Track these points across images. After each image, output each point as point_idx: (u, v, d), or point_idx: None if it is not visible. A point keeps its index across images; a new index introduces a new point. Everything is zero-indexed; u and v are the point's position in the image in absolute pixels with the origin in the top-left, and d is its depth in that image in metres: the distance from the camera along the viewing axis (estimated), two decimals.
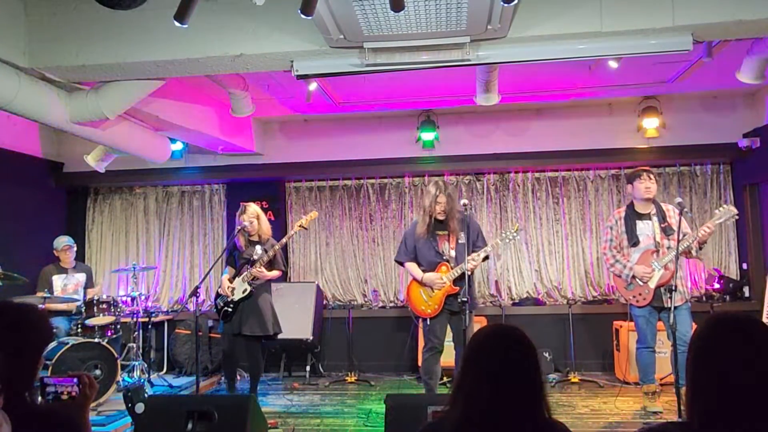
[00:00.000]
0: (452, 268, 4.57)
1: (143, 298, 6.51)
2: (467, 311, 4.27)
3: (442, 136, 6.95)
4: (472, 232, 4.63)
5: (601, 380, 6.00)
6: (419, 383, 6.25)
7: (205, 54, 3.96)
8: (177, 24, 3.07)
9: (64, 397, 1.81)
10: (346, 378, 6.42)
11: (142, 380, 5.81)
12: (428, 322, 4.65)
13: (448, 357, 4.84)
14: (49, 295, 5.56)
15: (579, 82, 5.87)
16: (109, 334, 5.64)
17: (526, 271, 7.11)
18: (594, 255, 7.01)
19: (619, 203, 6.91)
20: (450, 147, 6.97)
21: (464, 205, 4.55)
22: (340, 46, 3.80)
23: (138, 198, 7.80)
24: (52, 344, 4.89)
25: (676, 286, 4.14)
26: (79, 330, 5.54)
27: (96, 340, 5.34)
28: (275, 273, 5.08)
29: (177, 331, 6.90)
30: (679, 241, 4.33)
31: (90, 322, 5.55)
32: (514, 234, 4.68)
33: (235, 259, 5.20)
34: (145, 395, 3.91)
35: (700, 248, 4.61)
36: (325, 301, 7.16)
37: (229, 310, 5.03)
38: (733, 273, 6.83)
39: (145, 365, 6.09)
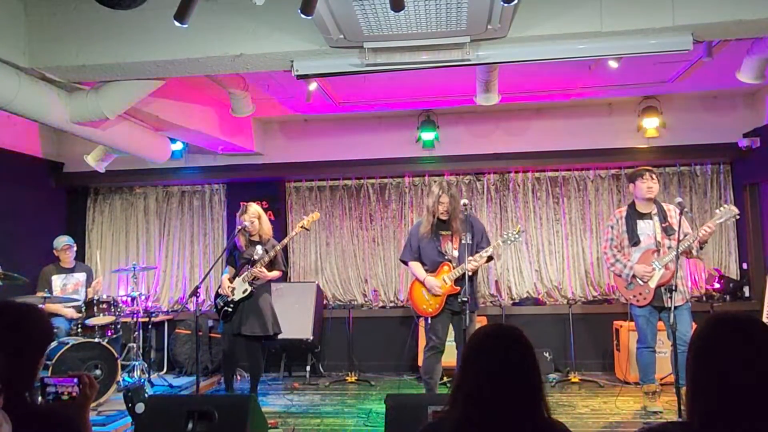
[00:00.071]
0: (454, 268, 4.59)
1: (143, 298, 6.52)
2: (467, 311, 4.27)
3: (442, 136, 6.95)
4: (476, 233, 4.66)
5: (602, 380, 6.00)
6: (419, 383, 6.26)
7: (205, 54, 3.96)
8: (177, 24, 3.07)
9: (65, 397, 1.81)
10: (347, 378, 6.42)
11: (143, 380, 5.82)
12: (429, 321, 4.67)
13: (450, 357, 4.84)
14: (49, 295, 5.56)
15: (579, 82, 5.87)
16: (110, 334, 5.64)
17: (527, 270, 7.11)
18: (594, 255, 7.01)
19: (619, 203, 6.91)
20: (450, 147, 6.97)
21: (464, 205, 4.56)
22: (340, 46, 3.80)
23: (138, 198, 7.80)
24: (53, 344, 4.89)
25: (676, 286, 4.14)
26: (80, 330, 5.54)
27: (96, 340, 5.35)
28: (276, 273, 5.08)
29: (177, 331, 6.91)
30: (679, 241, 4.33)
31: (90, 322, 5.55)
32: (516, 235, 4.69)
33: (236, 259, 5.20)
34: (146, 395, 3.91)
35: (701, 248, 4.60)
36: (325, 301, 7.16)
37: (229, 309, 5.03)
38: (733, 273, 6.83)
39: (146, 365, 6.10)
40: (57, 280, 6.09)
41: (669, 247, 4.63)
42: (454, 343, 4.82)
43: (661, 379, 5.23)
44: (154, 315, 6.64)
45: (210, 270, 5.46)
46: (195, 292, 4.78)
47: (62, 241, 6.18)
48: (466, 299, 4.29)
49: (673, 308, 4.04)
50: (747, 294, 6.58)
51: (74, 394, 1.82)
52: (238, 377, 6.40)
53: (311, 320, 6.51)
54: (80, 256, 7.02)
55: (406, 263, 4.89)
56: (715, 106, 6.66)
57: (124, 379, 5.73)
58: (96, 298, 5.75)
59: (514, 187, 7.20)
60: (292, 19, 3.57)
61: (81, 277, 6.22)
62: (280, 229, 6.89)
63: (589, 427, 4.60)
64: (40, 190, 7.19)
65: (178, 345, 6.82)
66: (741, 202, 6.61)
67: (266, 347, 5.81)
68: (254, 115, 6.25)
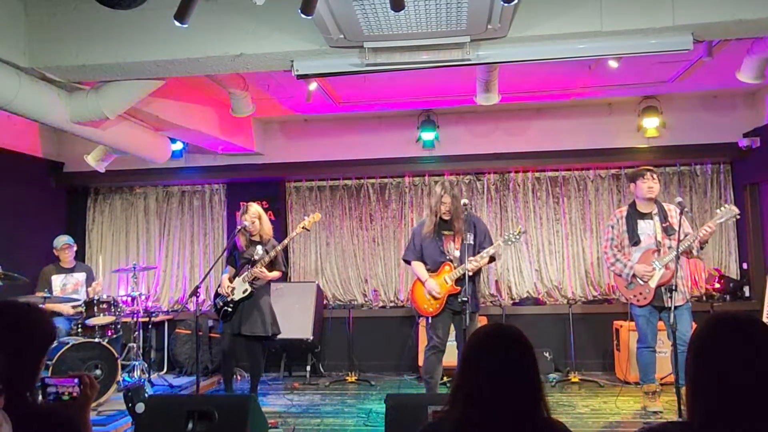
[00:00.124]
0: (455, 268, 4.59)
1: (143, 298, 6.51)
2: (467, 311, 4.28)
3: (442, 135, 6.95)
4: (478, 233, 4.68)
5: (602, 380, 6.00)
6: (419, 383, 6.26)
7: (205, 54, 3.96)
8: (177, 24, 3.07)
9: (65, 397, 1.81)
10: (347, 378, 6.42)
11: (143, 380, 5.81)
12: (430, 321, 4.69)
13: (451, 357, 4.84)
14: (49, 295, 5.56)
15: (579, 81, 5.87)
16: (110, 334, 5.63)
17: (527, 270, 7.11)
18: (594, 255, 7.01)
19: (619, 203, 6.91)
20: (450, 147, 6.97)
21: (464, 204, 4.57)
22: (340, 45, 3.79)
23: (138, 198, 7.80)
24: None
25: (676, 286, 4.14)
26: (80, 330, 5.54)
27: (96, 340, 5.34)
28: (276, 274, 5.08)
29: (177, 331, 6.91)
30: (680, 241, 4.33)
31: (90, 321, 5.55)
32: (517, 236, 4.69)
33: (236, 259, 5.20)
34: (146, 395, 3.92)
35: (701, 248, 4.60)
36: (325, 301, 7.16)
37: (229, 309, 5.03)
38: (734, 273, 6.83)
39: (146, 365, 6.09)
40: (57, 280, 6.09)
41: (669, 247, 4.63)
42: (455, 343, 4.83)
43: (661, 379, 5.23)
44: (154, 315, 6.64)
45: (210, 270, 5.46)
46: (195, 292, 4.78)
47: (62, 241, 6.18)
48: (465, 299, 4.29)
49: (673, 308, 4.04)
50: (747, 294, 6.58)
51: (75, 394, 1.82)
52: (238, 377, 6.41)
53: (311, 320, 6.51)
54: (80, 256, 7.02)
55: (408, 263, 4.90)
56: (715, 106, 6.66)
57: (124, 379, 5.73)
58: (96, 298, 5.74)
59: (514, 187, 7.20)
60: (292, 19, 3.57)
61: (81, 276, 6.22)
62: (280, 229, 6.90)
63: (589, 427, 4.60)
64: (40, 190, 7.19)
65: (178, 345, 6.82)
66: (741, 201, 6.61)
67: (266, 347, 5.81)
68: (254, 115, 6.25)
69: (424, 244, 4.74)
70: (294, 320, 6.36)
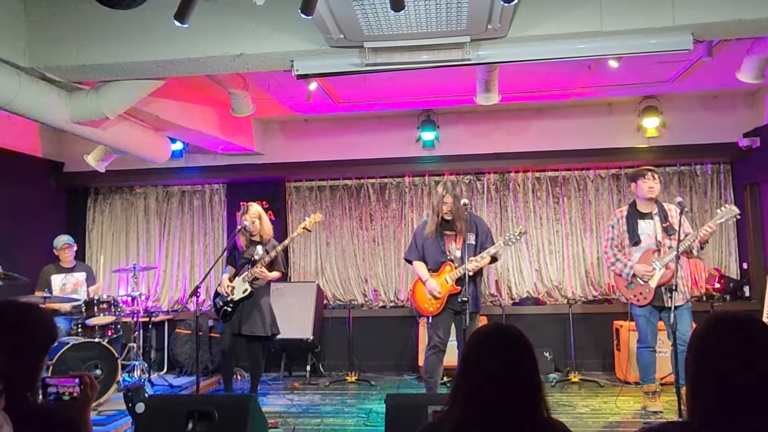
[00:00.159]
0: (456, 268, 4.60)
1: (143, 297, 6.51)
2: (467, 311, 4.28)
3: (442, 135, 6.95)
4: (480, 234, 4.69)
5: (602, 380, 6.00)
6: (419, 383, 6.26)
7: (205, 54, 3.96)
8: (177, 24, 3.07)
9: (66, 397, 1.81)
10: (347, 378, 6.42)
11: (143, 380, 5.81)
12: (430, 320, 4.71)
13: (451, 356, 4.84)
14: (49, 295, 5.56)
15: (579, 81, 5.87)
16: (110, 333, 5.63)
17: (527, 270, 7.11)
18: (594, 255, 7.01)
19: (619, 203, 6.91)
20: (450, 147, 6.97)
21: (464, 204, 4.57)
22: (341, 45, 3.79)
23: (138, 198, 7.80)
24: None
25: (676, 286, 4.15)
26: (80, 330, 5.54)
27: (96, 339, 5.34)
28: (275, 274, 5.08)
29: (177, 330, 6.91)
30: (680, 241, 4.33)
31: (90, 321, 5.55)
32: (518, 236, 4.69)
33: (236, 259, 5.20)
34: (146, 395, 3.92)
35: (702, 248, 4.60)
36: (325, 301, 7.16)
37: (229, 309, 5.03)
38: (734, 272, 6.83)
39: (146, 365, 6.09)
40: (56, 280, 6.09)
41: (669, 247, 4.63)
42: (455, 343, 4.84)
43: (662, 379, 5.23)
44: (154, 315, 6.64)
45: (210, 270, 5.46)
46: (195, 292, 4.78)
47: (62, 241, 6.18)
48: (465, 299, 4.30)
49: (673, 308, 4.04)
50: (747, 294, 6.58)
51: (75, 394, 1.82)
52: (238, 377, 6.41)
53: (311, 320, 6.51)
54: (80, 256, 7.02)
55: (410, 262, 4.91)
56: (715, 106, 6.66)
57: (124, 379, 5.73)
58: (96, 297, 5.75)
59: (514, 187, 7.20)
60: (292, 18, 3.57)
61: (81, 276, 6.22)
62: (280, 229, 6.90)
63: (589, 426, 4.60)
64: (41, 190, 7.19)
65: (179, 345, 6.83)
66: (741, 201, 6.61)
67: (266, 347, 5.81)
68: (254, 115, 6.25)
69: (425, 244, 4.75)
70: (294, 320, 6.36)
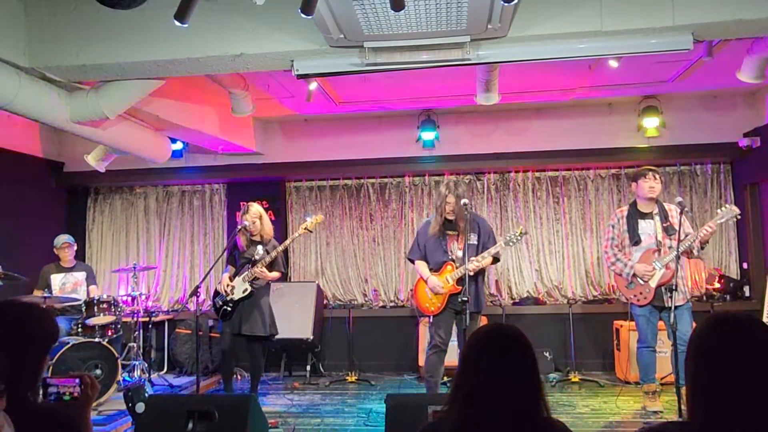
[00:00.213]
0: (457, 268, 4.61)
1: (144, 297, 6.52)
2: (467, 311, 4.28)
3: (442, 135, 6.95)
4: (482, 234, 4.70)
5: (602, 380, 6.00)
6: (419, 383, 6.26)
7: (205, 54, 3.96)
8: (177, 23, 3.07)
9: (66, 397, 1.81)
10: (347, 377, 6.42)
11: (143, 380, 5.82)
12: (431, 320, 4.72)
13: (453, 356, 4.85)
14: (49, 295, 5.56)
15: (579, 81, 5.87)
16: (110, 333, 5.63)
17: (527, 270, 7.11)
18: (594, 254, 7.01)
19: (619, 203, 6.91)
20: (450, 146, 6.97)
21: (464, 204, 4.57)
22: (341, 45, 3.79)
23: (138, 198, 7.80)
24: None
25: (676, 286, 4.15)
26: (80, 329, 5.54)
27: (96, 339, 5.34)
28: (275, 274, 5.07)
29: (177, 330, 6.91)
30: (680, 241, 4.33)
31: (90, 321, 5.55)
32: (518, 237, 4.69)
33: (236, 259, 5.20)
34: (146, 395, 3.92)
35: (702, 248, 4.60)
36: (325, 301, 7.16)
37: (228, 309, 5.03)
38: (734, 272, 6.83)
39: (146, 365, 6.09)
40: (56, 279, 6.09)
41: (670, 247, 4.63)
42: (457, 342, 4.84)
43: (662, 379, 5.23)
44: (154, 315, 6.64)
45: (210, 270, 5.46)
46: (195, 292, 4.78)
47: (61, 240, 6.18)
48: (466, 299, 4.30)
49: (673, 308, 4.04)
50: (747, 294, 6.58)
51: (76, 394, 1.82)
52: (238, 377, 6.41)
53: (311, 320, 6.51)
54: (80, 256, 7.02)
55: (412, 262, 4.93)
56: (716, 106, 6.66)
57: (124, 379, 5.73)
58: (96, 297, 5.75)
59: (515, 187, 7.20)
60: (292, 18, 3.57)
61: (80, 276, 6.22)
62: (280, 229, 6.90)
63: (589, 426, 4.60)
64: (41, 190, 7.19)
65: (179, 345, 6.83)
66: (741, 201, 6.61)
67: (266, 347, 5.81)
68: (254, 115, 6.25)
69: (427, 244, 4.77)
70: (294, 320, 6.37)
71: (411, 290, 6.88)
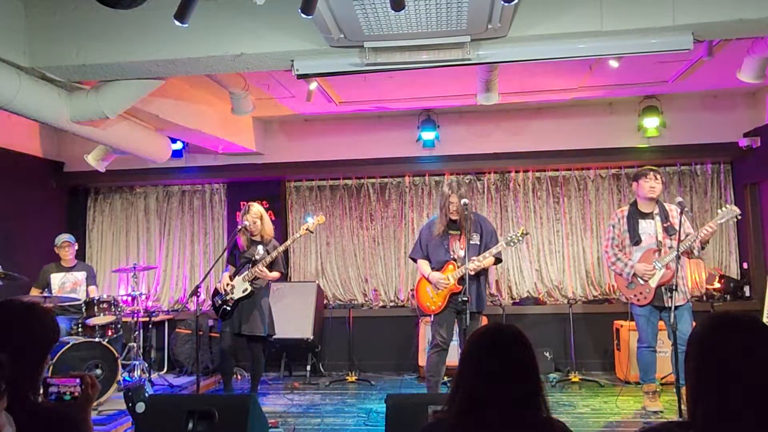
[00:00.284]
0: (458, 267, 4.61)
1: (144, 297, 6.51)
2: (467, 311, 4.28)
3: (442, 135, 6.95)
4: (485, 234, 4.71)
5: (602, 380, 6.00)
6: (420, 383, 6.26)
7: (205, 53, 3.96)
8: (177, 23, 3.07)
9: (67, 397, 1.81)
10: (347, 377, 6.42)
11: (143, 380, 5.81)
12: (433, 319, 4.74)
13: (454, 356, 4.84)
14: (49, 294, 5.55)
15: (579, 81, 5.87)
16: (110, 333, 5.63)
17: (527, 270, 7.11)
18: (594, 254, 7.01)
19: (619, 203, 6.91)
20: (450, 146, 6.97)
21: (464, 204, 4.58)
22: (341, 45, 3.79)
23: (138, 197, 7.81)
24: None
25: (677, 286, 4.15)
26: (80, 329, 5.54)
27: (96, 339, 5.34)
28: (275, 274, 5.07)
29: (177, 330, 6.91)
30: (680, 241, 4.33)
31: (91, 321, 5.55)
32: (520, 237, 4.69)
33: (236, 258, 5.20)
34: (146, 395, 3.91)
35: (702, 248, 4.60)
36: (325, 301, 7.16)
37: (228, 308, 5.03)
38: (734, 272, 6.83)
39: (146, 365, 6.09)
40: (56, 279, 6.08)
41: (670, 247, 4.63)
42: (457, 342, 4.85)
43: (662, 379, 5.23)
44: (154, 315, 6.63)
45: (210, 270, 5.46)
46: (195, 292, 4.78)
47: (62, 239, 6.16)
48: (466, 299, 4.30)
49: (673, 308, 4.04)
50: (747, 294, 6.58)
51: (76, 394, 1.82)
52: (238, 377, 6.41)
53: (311, 320, 6.51)
54: (81, 256, 7.01)
55: (415, 261, 4.94)
56: (716, 106, 6.66)
57: (124, 379, 5.72)
58: (96, 297, 5.75)
59: (515, 187, 7.20)
60: (293, 18, 3.56)
61: (80, 276, 6.21)
62: (280, 229, 6.90)
63: (589, 426, 4.60)
64: (41, 190, 7.19)
65: (179, 345, 6.82)
66: (741, 201, 6.61)
67: (267, 347, 5.81)
68: (254, 115, 6.25)
69: (430, 243, 4.78)
70: (294, 320, 6.37)
71: (411, 290, 6.90)
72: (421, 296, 4.80)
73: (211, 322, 6.79)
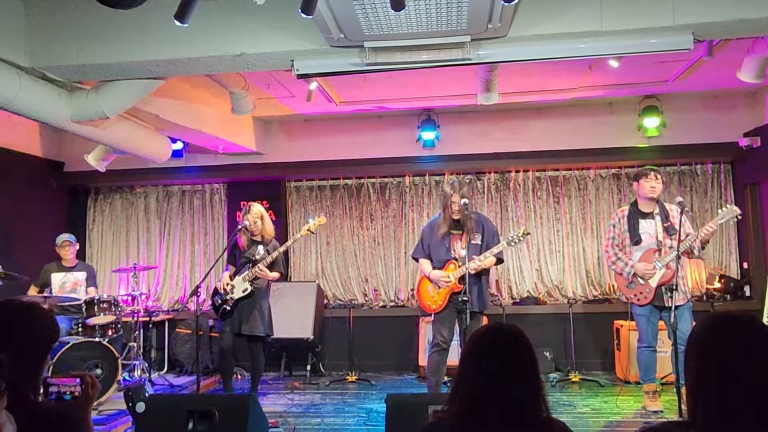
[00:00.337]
0: (459, 267, 4.61)
1: (144, 297, 6.51)
2: (467, 310, 4.28)
3: (442, 135, 6.95)
4: (487, 234, 4.71)
5: (602, 379, 6.00)
6: (420, 382, 6.27)
7: (205, 53, 3.97)
8: (177, 23, 3.07)
9: (67, 396, 1.81)
10: (347, 377, 6.42)
11: (143, 379, 5.82)
12: (434, 318, 4.74)
13: (455, 356, 4.84)
14: (49, 294, 5.55)
15: (579, 81, 5.87)
16: (110, 333, 5.63)
17: (527, 270, 7.11)
18: (595, 254, 7.01)
19: (619, 203, 6.91)
20: (450, 146, 6.98)
21: (465, 204, 4.58)
22: (341, 45, 3.80)
23: (138, 197, 7.81)
24: None
25: (677, 285, 4.15)
26: (80, 329, 5.54)
27: (97, 339, 5.34)
28: (275, 274, 5.07)
29: (178, 330, 6.91)
30: (680, 241, 4.33)
31: (91, 321, 5.55)
32: (521, 237, 4.69)
33: (236, 258, 5.20)
34: (146, 395, 3.91)
35: (702, 248, 4.60)
36: (325, 301, 7.16)
37: (228, 308, 5.03)
38: (734, 272, 6.83)
39: (146, 365, 6.09)
40: (56, 278, 6.07)
41: (670, 247, 4.63)
42: (458, 342, 4.85)
43: (662, 379, 5.23)
44: (154, 314, 6.64)
45: (210, 269, 5.45)
46: (195, 292, 4.78)
47: (62, 238, 6.16)
48: (466, 298, 4.30)
49: (673, 308, 4.04)
50: (747, 293, 6.58)
51: (76, 393, 1.82)
52: (239, 376, 6.41)
53: (312, 320, 6.51)
54: (81, 256, 7.01)
55: (417, 260, 4.94)
56: (716, 106, 6.66)
57: (124, 379, 5.73)
58: (96, 297, 5.74)
59: (515, 187, 7.20)
60: (293, 18, 3.56)
61: (81, 276, 6.21)
62: (281, 229, 6.89)
63: (589, 426, 4.60)
64: (41, 190, 7.19)
65: (179, 344, 6.82)
66: (741, 201, 6.61)
67: (267, 347, 5.81)
68: (254, 115, 6.25)
69: (431, 243, 4.78)
70: (294, 320, 6.37)
71: (412, 290, 6.90)
72: (422, 295, 4.81)
73: (211, 322, 6.79)
